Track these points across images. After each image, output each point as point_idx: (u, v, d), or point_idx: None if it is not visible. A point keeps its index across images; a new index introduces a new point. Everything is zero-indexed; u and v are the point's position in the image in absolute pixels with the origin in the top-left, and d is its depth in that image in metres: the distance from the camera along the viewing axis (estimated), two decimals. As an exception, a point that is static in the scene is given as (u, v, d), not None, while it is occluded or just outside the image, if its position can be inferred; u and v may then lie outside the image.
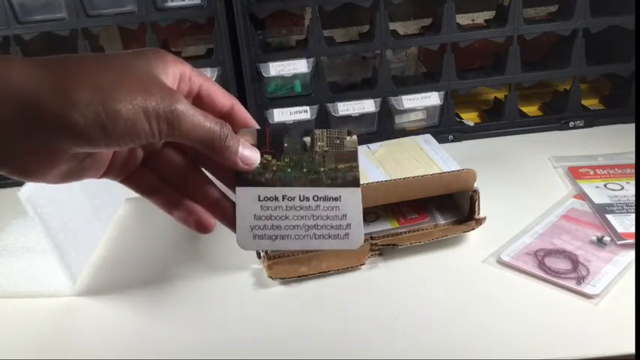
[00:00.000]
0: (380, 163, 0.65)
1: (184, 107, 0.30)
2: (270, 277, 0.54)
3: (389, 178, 0.58)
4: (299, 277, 0.54)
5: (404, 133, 0.79)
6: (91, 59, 0.30)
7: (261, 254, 0.55)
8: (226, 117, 0.35)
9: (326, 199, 0.35)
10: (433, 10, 0.81)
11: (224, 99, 0.35)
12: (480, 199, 0.58)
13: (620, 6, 0.76)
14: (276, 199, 0.35)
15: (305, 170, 0.35)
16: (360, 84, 0.86)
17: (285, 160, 0.35)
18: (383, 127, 0.80)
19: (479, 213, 0.58)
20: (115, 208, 0.68)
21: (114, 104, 0.28)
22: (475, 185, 0.58)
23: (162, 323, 0.51)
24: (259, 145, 0.35)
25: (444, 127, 0.81)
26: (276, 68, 0.75)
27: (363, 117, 0.79)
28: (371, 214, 0.61)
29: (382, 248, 0.56)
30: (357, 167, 0.36)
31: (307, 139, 0.36)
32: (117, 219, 0.68)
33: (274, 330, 0.49)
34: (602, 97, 0.86)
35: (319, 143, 0.36)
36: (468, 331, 0.47)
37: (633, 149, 0.71)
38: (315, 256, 0.56)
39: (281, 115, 0.77)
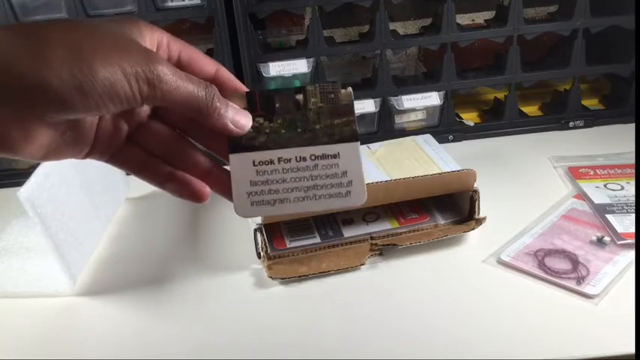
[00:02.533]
0: (380, 163, 0.65)
1: (166, 67, 0.29)
2: (270, 277, 0.54)
3: (389, 178, 0.58)
4: (299, 277, 0.54)
5: (404, 133, 0.79)
6: (66, 24, 0.28)
7: (261, 254, 0.55)
8: (212, 82, 0.33)
9: (324, 157, 0.34)
10: (433, 10, 0.81)
11: (207, 65, 0.33)
12: (480, 199, 0.58)
13: (620, 6, 0.76)
14: (271, 162, 0.33)
15: (300, 129, 0.34)
16: (360, 84, 0.86)
17: (278, 121, 0.34)
18: (383, 127, 0.80)
19: (479, 213, 0.58)
20: (115, 208, 0.68)
21: (91, 63, 0.26)
22: (475, 185, 0.58)
23: (162, 323, 0.51)
24: (250, 108, 0.34)
25: (444, 127, 0.81)
26: (276, 68, 0.75)
27: (363, 117, 0.79)
28: (371, 214, 0.61)
29: (382, 248, 0.56)
30: (354, 121, 0.34)
31: (300, 97, 0.34)
32: (117, 219, 0.68)
33: (274, 330, 0.49)
34: (602, 97, 0.86)
35: (312, 99, 0.34)
36: (468, 331, 0.47)
37: (633, 149, 0.71)
38: (315, 256, 0.56)
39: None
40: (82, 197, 0.59)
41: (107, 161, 0.34)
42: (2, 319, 0.53)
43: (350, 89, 0.35)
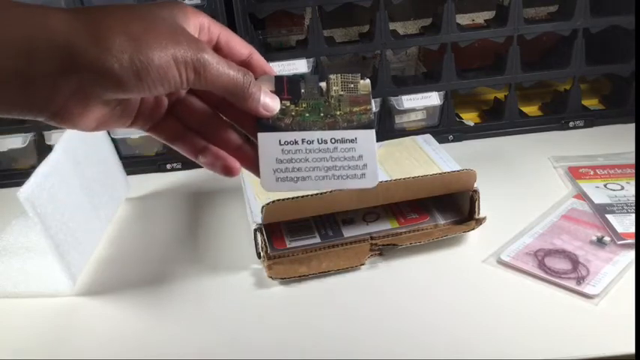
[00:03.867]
0: (380, 163, 0.65)
1: (210, 56, 0.32)
2: (270, 277, 0.54)
3: (389, 178, 0.58)
4: (299, 277, 0.54)
5: (404, 133, 0.79)
6: (121, 10, 0.31)
7: (261, 254, 0.55)
8: (245, 65, 0.36)
9: (343, 141, 0.37)
10: (433, 10, 0.81)
11: (242, 47, 0.36)
12: (480, 199, 0.58)
13: (620, 6, 0.76)
14: (295, 142, 0.36)
15: (322, 115, 0.37)
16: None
17: (303, 105, 0.37)
18: (383, 127, 0.80)
19: (479, 213, 0.58)
20: (115, 208, 0.68)
21: (147, 51, 0.29)
22: (475, 185, 0.58)
23: (162, 323, 0.51)
24: (277, 91, 0.36)
25: (444, 127, 0.81)
26: (276, 68, 0.75)
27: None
28: (371, 214, 0.61)
29: (382, 248, 0.56)
30: (370, 110, 0.37)
31: (323, 85, 0.37)
32: (117, 219, 0.68)
33: (274, 330, 0.49)
34: (602, 97, 0.86)
35: (334, 88, 0.37)
36: (468, 331, 0.47)
37: (633, 149, 0.71)
38: (315, 256, 0.56)
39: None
40: (82, 197, 0.59)
41: (147, 130, 0.37)
42: (2, 319, 0.53)
43: (368, 81, 0.37)
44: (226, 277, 0.56)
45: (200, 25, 0.34)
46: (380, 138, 0.74)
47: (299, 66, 0.75)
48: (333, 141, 0.37)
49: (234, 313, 0.51)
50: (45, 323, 0.52)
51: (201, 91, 0.36)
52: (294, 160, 0.36)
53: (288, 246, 0.57)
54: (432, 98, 0.78)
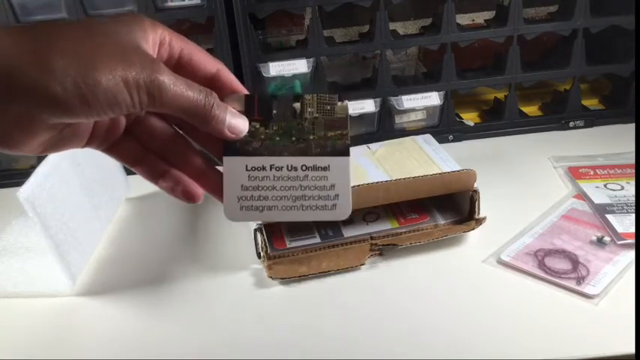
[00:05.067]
0: (380, 163, 0.65)
1: (166, 77, 0.29)
2: (270, 277, 0.54)
3: (389, 178, 0.58)
4: (299, 277, 0.54)
5: (404, 133, 0.79)
6: (71, 27, 0.29)
7: (261, 254, 0.55)
8: (212, 82, 0.33)
9: (314, 168, 0.34)
10: (433, 10, 0.81)
11: (208, 63, 0.34)
12: (480, 199, 0.58)
13: (620, 6, 0.76)
14: (263, 168, 0.34)
15: (294, 138, 0.34)
16: (360, 84, 0.86)
17: (274, 127, 0.34)
18: (383, 127, 0.80)
19: (479, 213, 0.58)
20: (115, 208, 0.68)
21: (94, 74, 0.27)
22: (475, 185, 0.58)
23: (162, 323, 0.51)
24: (247, 111, 0.34)
25: (444, 127, 0.81)
26: (276, 68, 0.75)
27: (363, 117, 0.79)
28: (371, 214, 0.61)
29: (382, 248, 0.56)
30: (347, 135, 0.34)
31: (297, 105, 0.34)
32: (117, 219, 0.68)
33: (274, 330, 0.49)
34: (602, 97, 0.86)
35: (309, 109, 0.34)
36: (468, 331, 0.47)
37: (633, 149, 0.71)
38: (315, 256, 0.56)
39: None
40: (82, 197, 0.59)
41: (104, 151, 0.34)
42: (2, 319, 0.53)
43: (347, 103, 0.35)
44: (226, 277, 0.56)
45: (160, 39, 0.32)
46: (380, 138, 0.75)
47: (299, 66, 0.75)
48: (304, 168, 0.34)
49: (234, 313, 0.51)
50: (45, 323, 0.52)
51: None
52: (260, 188, 0.34)
53: (288, 246, 0.57)
54: (432, 98, 0.78)
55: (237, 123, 0.33)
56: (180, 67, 0.33)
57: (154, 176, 0.35)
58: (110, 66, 0.28)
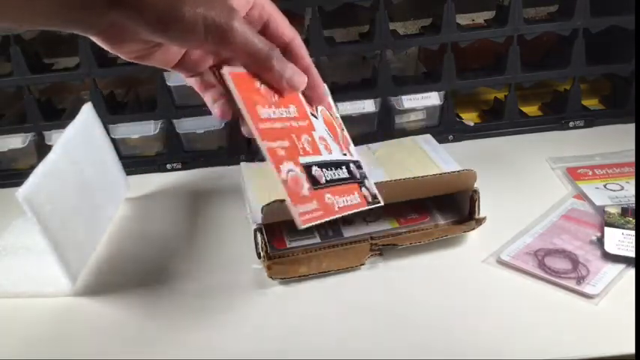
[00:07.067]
0: (380, 163, 0.65)
1: (239, 24, 0.34)
2: (270, 277, 0.54)
3: (389, 178, 0.58)
4: (299, 277, 0.54)
5: (404, 133, 0.79)
6: None
7: (261, 254, 0.55)
8: (284, 48, 0.38)
9: None
10: (433, 10, 0.81)
11: (287, 31, 0.39)
12: (480, 199, 0.58)
13: (620, 6, 0.76)
14: None
15: None
16: (360, 84, 0.86)
17: None
18: (383, 127, 0.80)
19: (479, 213, 0.58)
20: (115, 208, 0.68)
21: (180, 6, 0.32)
22: (475, 185, 0.58)
23: (162, 323, 0.51)
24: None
25: (444, 127, 0.81)
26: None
27: (363, 117, 0.79)
28: (371, 214, 0.61)
29: (382, 248, 0.56)
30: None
31: None
32: (117, 219, 0.68)
33: (274, 330, 0.49)
34: (602, 97, 0.86)
35: None
36: (468, 331, 0.47)
37: (632, 148, 0.71)
38: (315, 256, 0.56)
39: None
40: (82, 197, 0.59)
41: (191, 77, 0.40)
42: (2, 319, 0.53)
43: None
44: (226, 277, 0.56)
45: (255, 2, 0.37)
46: (380, 138, 0.75)
47: (299, 66, 0.75)
48: None
49: (234, 313, 0.51)
50: (45, 323, 0.52)
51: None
52: None
53: (288, 246, 0.57)
54: (432, 98, 0.78)
55: (295, 78, 0.38)
56: (264, 28, 0.39)
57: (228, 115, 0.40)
58: (196, 3, 0.32)
